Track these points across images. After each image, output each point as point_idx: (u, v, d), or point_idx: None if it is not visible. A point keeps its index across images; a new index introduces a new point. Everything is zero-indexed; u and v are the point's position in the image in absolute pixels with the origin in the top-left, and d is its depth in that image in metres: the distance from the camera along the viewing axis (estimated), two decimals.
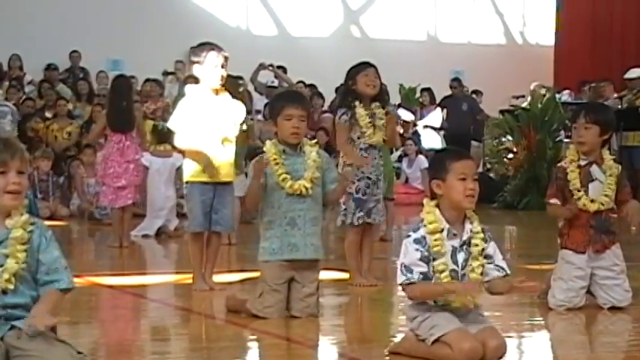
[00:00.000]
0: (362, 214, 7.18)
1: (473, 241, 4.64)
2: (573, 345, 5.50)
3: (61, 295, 4.13)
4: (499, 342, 4.54)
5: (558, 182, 6.15)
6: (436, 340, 4.54)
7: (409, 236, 4.66)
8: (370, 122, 7.17)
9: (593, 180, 6.13)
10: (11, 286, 4.02)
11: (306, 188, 5.86)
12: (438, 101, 19.02)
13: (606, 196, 6.12)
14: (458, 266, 4.61)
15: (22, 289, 4.06)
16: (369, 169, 7.19)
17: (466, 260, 4.63)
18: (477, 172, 4.65)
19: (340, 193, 6.24)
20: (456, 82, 18.97)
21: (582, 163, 6.14)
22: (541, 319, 6.04)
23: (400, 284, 4.63)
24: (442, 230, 4.61)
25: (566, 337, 5.75)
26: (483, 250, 4.65)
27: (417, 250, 4.59)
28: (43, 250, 4.11)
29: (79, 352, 4.00)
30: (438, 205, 4.66)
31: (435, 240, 4.58)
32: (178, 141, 7.05)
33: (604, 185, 6.14)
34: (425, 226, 4.61)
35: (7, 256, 4.03)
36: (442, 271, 4.58)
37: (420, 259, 4.58)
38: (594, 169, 6.14)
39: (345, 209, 7.20)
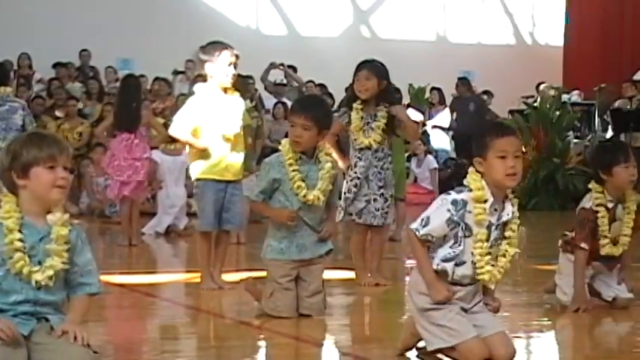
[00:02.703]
0: (350, 212, 7.16)
1: (511, 225, 4.50)
2: (582, 345, 5.50)
3: (90, 300, 4.25)
4: (507, 351, 4.47)
5: (590, 225, 6.04)
6: (439, 350, 4.48)
7: (449, 194, 4.49)
8: (360, 127, 7.14)
9: (615, 220, 6.12)
10: (51, 284, 4.06)
11: (319, 199, 5.86)
12: (447, 101, 19.04)
13: (626, 236, 6.11)
14: (488, 243, 4.46)
15: (55, 287, 4.10)
16: (360, 170, 7.17)
17: (496, 240, 4.49)
18: (520, 150, 4.45)
19: (332, 229, 6.13)
20: (460, 81, 18.97)
21: (609, 205, 6.08)
22: (549, 319, 6.04)
23: (410, 227, 4.48)
24: (486, 201, 4.44)
25: (575, 338, 5.76)
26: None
27: (449, 210, 4.42)
28: (78, 251, 4.18)
29: (94, 352, 4.03)
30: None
31: (479, 208, 4.41)
32: (172, 130, 7.09)
33: (622, 224, 6.12)
34: (470, 190, 4.44)
35: (49, 251, 4.07)
36: (482, 241, 4.42)
37: (446, 221, 4.42)
38: (619, 209, 6.11)
39: (341, 207, 7.17)
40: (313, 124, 5.82)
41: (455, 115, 18.47)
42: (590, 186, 6.15)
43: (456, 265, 4.50)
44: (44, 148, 4.07)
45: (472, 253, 4.46)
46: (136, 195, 10.32)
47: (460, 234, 4.47)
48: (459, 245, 4.47)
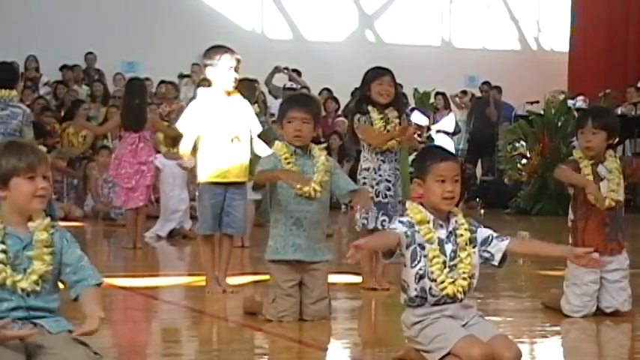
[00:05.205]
0: (385, 217, 7.18)
1: (458, 232, 4.57)
2: (586, 352, 5.49)
3: (97, 290, 4.15)
4: (514, 354, 4.41)
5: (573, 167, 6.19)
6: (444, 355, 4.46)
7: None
8: (383, 128, 7.19)
9: (602, 179, 6.15)
10: (38, 288, 4.04)
11: (315, 191, 5.88)
12: (452, 106, 19.08)
13: (613, 191, 6.14)
14: (446, 257, 4.53)
15: (45, 292, 4.09)
16: (387, 173, 7.22)
17: (454, 252, 4.55)
18: (459, 174, 4.59)
19: (365, 199, 6.15)
20: (486, 85, 19.10)
21: (591, 162, 6.17)
22: (553, 325, 6.04)
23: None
24: (429, 221, 4.56)
25: (579, 344, 5.75)
26: (470, 239, 4.57)
27: (400, 222, 4.55)
28: (65, 251, 4.15)
29: (95, 353, 4.03)
30: (421, 204, 4.63)
31: (424, 228, 4.53)
32: (183, 146, 7.09)
33: (610, 182, 6.17)
34: (411, 217, 4.57)
35: (31, 258, 4.06)
36: (433, 257, 4.50)
37: (404, 233, 4.51)
38: (601, 168, 6.19)
39: (367, 213, 7.19)
40: (311, 117, 5.96)
41: (472, 116, 18.61)
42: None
43: (430, 280, 4.53)
44: (23, 157, 4.04)
45: (431, 272, 4.52)
46: (144, 200, 10.35)
47: (418, 252, 4.53)
48: (419, 262, 4.53)
